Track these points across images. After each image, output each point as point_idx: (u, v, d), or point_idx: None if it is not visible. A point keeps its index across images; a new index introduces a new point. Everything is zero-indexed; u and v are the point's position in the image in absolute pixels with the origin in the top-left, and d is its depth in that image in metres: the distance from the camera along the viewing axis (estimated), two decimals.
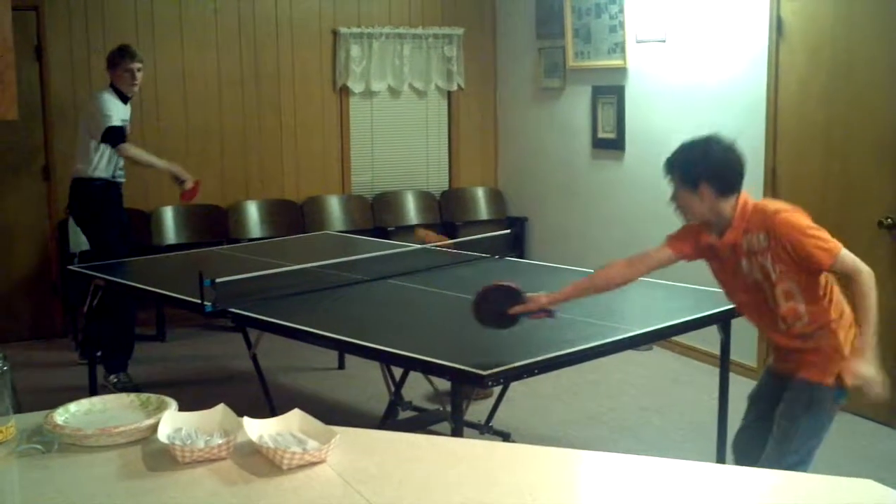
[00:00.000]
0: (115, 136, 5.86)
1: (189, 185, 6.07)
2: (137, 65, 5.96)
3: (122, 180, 6.09)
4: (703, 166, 3.24)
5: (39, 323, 6.98)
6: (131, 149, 5.96)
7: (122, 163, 6.02)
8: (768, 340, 3.57)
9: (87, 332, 6.11)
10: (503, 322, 3.47)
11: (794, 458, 3.27)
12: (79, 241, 6.74)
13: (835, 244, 3.16)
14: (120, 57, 5.95)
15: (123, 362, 6.00)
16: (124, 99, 5.98)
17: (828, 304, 3.28)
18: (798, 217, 3.21)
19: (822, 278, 3.26)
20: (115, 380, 5.90)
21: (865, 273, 3.15)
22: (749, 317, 3.51)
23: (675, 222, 3.49)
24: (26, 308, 6.97)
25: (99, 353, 5.80)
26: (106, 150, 5.89)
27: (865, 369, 3.15)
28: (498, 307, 3.44)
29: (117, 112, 5.87)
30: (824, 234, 3.18)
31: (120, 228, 6.06)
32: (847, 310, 3.32)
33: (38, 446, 2.20)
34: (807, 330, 3.28)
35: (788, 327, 3.30)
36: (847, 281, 3.20)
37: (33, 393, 5.63)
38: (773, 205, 3.29)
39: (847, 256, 3.16)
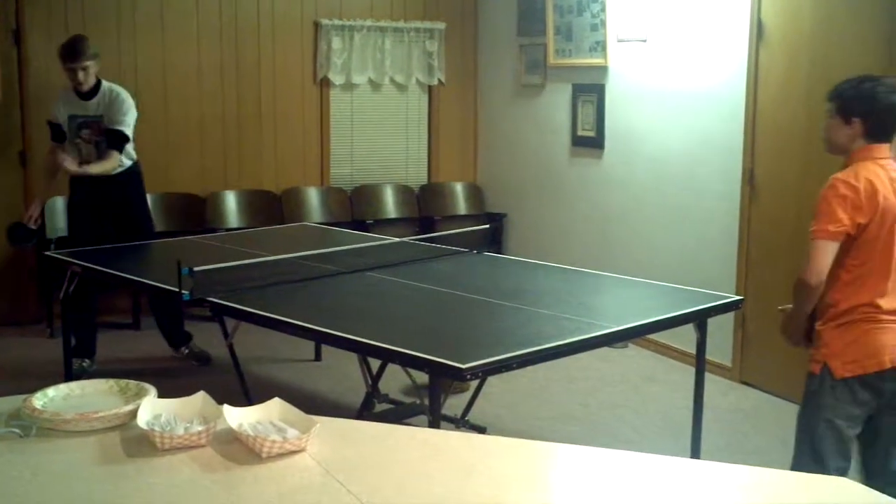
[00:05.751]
0: (51, 132, 5.89)
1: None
2: (71, 65, 5.58)
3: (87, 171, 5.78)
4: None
5: (15, 308, 6.92)
6: (51, 154, 5.88)
7: (84, 150, 5.80)
8: None
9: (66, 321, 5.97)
10: None
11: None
12: (55, 227, 6.70)
13: (818, 229, 3.17)
14: (59, 57, 5.66)
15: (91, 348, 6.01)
16: (83, 95, 5.74)
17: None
18: (834, 185, 3.20)
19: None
20: (88, 364, 5.94)
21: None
22: None
23: (653, 221, 3.51)
24: (2, 294, 6.91)
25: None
26: (73, 142, 5.79)
27: None
28: None
29: (61, 109, 5.77)
30: (832, 213, 3.17)
31: (84, 218, 5.92)
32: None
33: (17, 430, 2.19)
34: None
35: None
36: None
37: (8, 378, 5.68)
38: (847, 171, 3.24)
39: (812, 248, 3.20)
